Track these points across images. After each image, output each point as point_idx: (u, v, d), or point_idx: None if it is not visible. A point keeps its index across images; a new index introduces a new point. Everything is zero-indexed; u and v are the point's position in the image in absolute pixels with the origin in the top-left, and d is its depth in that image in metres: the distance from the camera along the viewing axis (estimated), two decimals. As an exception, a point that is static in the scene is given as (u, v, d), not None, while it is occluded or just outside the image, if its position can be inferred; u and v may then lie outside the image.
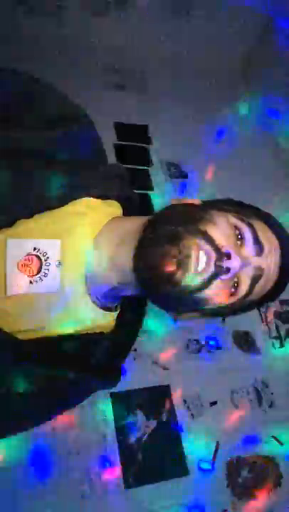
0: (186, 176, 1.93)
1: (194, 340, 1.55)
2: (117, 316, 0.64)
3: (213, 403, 1.46)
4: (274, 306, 1.77)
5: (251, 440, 1.44)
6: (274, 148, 2.17)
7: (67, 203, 0.58)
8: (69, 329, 0.59)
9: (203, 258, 0.53)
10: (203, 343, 1.55)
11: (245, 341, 1.61)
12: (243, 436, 1.44)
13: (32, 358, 0.54)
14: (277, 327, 1.73)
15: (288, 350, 1.69)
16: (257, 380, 1.56)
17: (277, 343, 1.69)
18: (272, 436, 1.46)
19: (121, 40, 2.12)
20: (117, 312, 0.64)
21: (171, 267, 0.52)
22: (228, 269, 0.54)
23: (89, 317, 0.60)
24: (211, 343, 1.57)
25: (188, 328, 1.56)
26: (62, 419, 1.25)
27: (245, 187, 1.92)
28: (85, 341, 0.59)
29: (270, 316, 1.74)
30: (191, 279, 0.53)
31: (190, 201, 0.63)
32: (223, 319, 1.61)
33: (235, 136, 2.07)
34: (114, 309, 0.64)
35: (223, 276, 0.54)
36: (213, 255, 0.53)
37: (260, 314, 1.73)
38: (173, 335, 1.53)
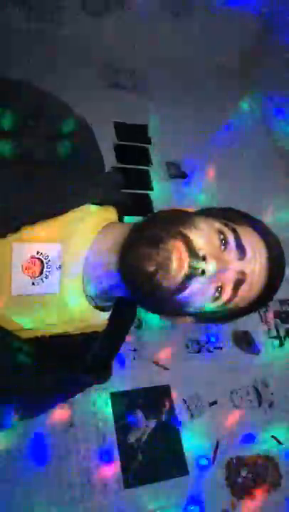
0: (186, 176, 1.93)
1: (194, 340, 1.55)
2: (110, 316, 0.66)
3: (213, 403, 1.46)
4: (274, 306, 1.77)
5: (251, 440, 1.44)
6: (274, 147, 2.17)
7: (69, 210, 0.61)
8: (67, 328, 0.61)
9: (179, 260, 0.55)
10: (203, 343, 1.55)
11: (245, 341, 1.61)
12: (243, 436, 1.44)
13: (32, 356, 0.57)
14: (276, 327, 1.73)
15: (288, 350, 1.69)
16: (257, 380, 1.56)
17: (276, 343, 1.70)
18: (272, 436, 1.46)
19: (120, 40, 2.12)
20: (110, 312, 0.66)
21: (150, 269, 0.54)
22: (203, 271, 0.55)
23: (85, 317, 0.63)
24: (212, 339, 1.57)
25: (188, 328, 1.56)
26: (62, 419, 1.26)
27: (245, 186, 1.93)
28: (80, 340, 0.62)
29: (270, 316, 1.75)
30: (170, 280, 0.55)
31: (181, 209, 0.66)
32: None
33: (235, 135, 2.07)
34: (107, 309, 0.66)
35: (200, 279, 0.55)
36: (188, 257, 0.55)
37: (260, 314, 1.74)
38: (173, 335, 1.53)
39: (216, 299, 0.59)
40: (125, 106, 1.98)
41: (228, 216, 0.64)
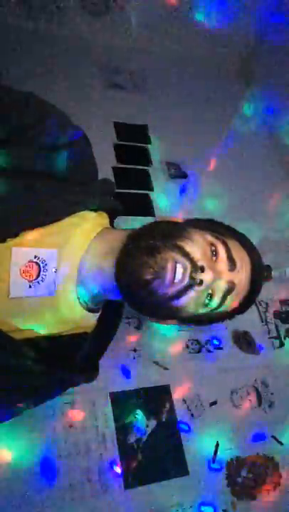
0: (186, 176, 1.93)
1: (194, 340, 1.55)
2: (99, 317, 0.70)
3: (213, 403, 1.46)
4: (274, 306, 1.77)
5: (251, 440, 1.44)
6: (274, 148, 2.18)
7: (66, 217, 0.65)
8: (59, 329, 0.65)
9: (180, 270, 0.60)
10: (203, 343, 1.55)
11: (245, 341, 1.61)
12: (243, 436, 1.44)
13: (25, 356, 0.60)
14: (276, 327, 1.73)
15: (288, 350, 1.69)
16: (257, 380, 1.57)
17: (276, 343, 1.70)
18: (272, 436, 1.46)
19: (121, 40, 2.12)
20: (99, 313, 0.70)
21: (148, 276, 0.59)
22: (201, 281, 0.60)
23: (77, 319, 0.67)
24: (215, 342, 1.57)
25: (188, 328, 1.56)
26: (62, 420, 1.26)
27: (245, 187, 1.93)
28: (71, 340, 0.66)
29: (270, 316, 1.75)
30: (168, 288, 0.59)
31: (173, 219, 0.71)
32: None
33: (235, 135, 2.07)
34: (96, 311, 0.69)
35: (197, 288, 0.60)
36: (189, 268, 0.60)
37: (260, 314, 1.74)
38: (173, 335, 1.53)
39: (206, 305, 0.64)
40: (125, 106, 1.98)
41: (216, 229, 0.69)
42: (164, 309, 0.62)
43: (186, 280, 0.60)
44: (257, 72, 2.30)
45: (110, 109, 1.92)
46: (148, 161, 1.90)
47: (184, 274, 0.59)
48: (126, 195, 1.74)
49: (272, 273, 1.72)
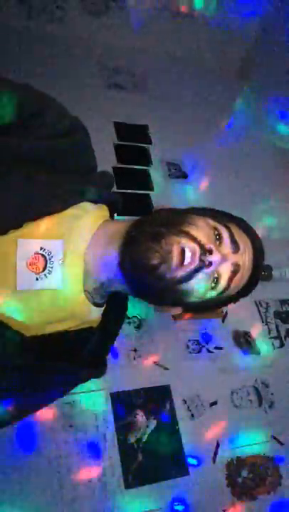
0: (186, 176, 1.93)
1: (194, 340, 1.55)
2: (104, 311, 0.70)
3: (213, 403, 1.46)
4: (274, 306, 1.77)
5: (251, 440, 1.44)
6: (274, 147, 2.17)
7: (67, 207, 0.64)
8: (66, 324, 0.64)
9: (188, 254, 0.60)
10: (203, 343, 1.55)
11: (245, 341, 1.61)
12: (243, 436, 1.44)
13: (35, 354, 0.59)
14: (277, 327, 1.73)
15: (288, 350, 1.69)
16: (257, 380, 1.56)
17: (277, 343, 1.70)
18: (272, 436, 1.46)
19: (121, 40, 2.12)
20: (104, 308, 0.68)
21: (155, 261, 0.59)
22: (210, 263, 0.61)
23: (83, 313, 0.65)
24: (211, 343, 1.57)
25: (188, 328, 1.56)
26: (62, 420, 1.26)
27: (244, 187, 1.93)
28: (77, 336, 0.65)
29: (270, 316, 1.75)
30: (175, 271, 0.60)
31: (173, 208, 0.70)
32: (223, 320, 1.62)
33: (235, 135, 2.07)
34: (101, 305, 0.69)
35: (206, 270, 0.61)
36: (198, 251, 0.61)
37: (260, 314, 1.74)
38: (173, 335, 1.53)
39: (212, 288, 0.65)
40: (125, 106, 1.98)
41: (216, 215, 0.69)
42: (171, 293, 0.62)
43: (196, 262, 0.60)
44: (257, 72, 2.30)
45: (110, 109, 1.92)
46: (148, 161, 1.90)
47: (192, 257, 0.60)
48: (126, 195, 1.74)
49: (273, 273, 1.72)
